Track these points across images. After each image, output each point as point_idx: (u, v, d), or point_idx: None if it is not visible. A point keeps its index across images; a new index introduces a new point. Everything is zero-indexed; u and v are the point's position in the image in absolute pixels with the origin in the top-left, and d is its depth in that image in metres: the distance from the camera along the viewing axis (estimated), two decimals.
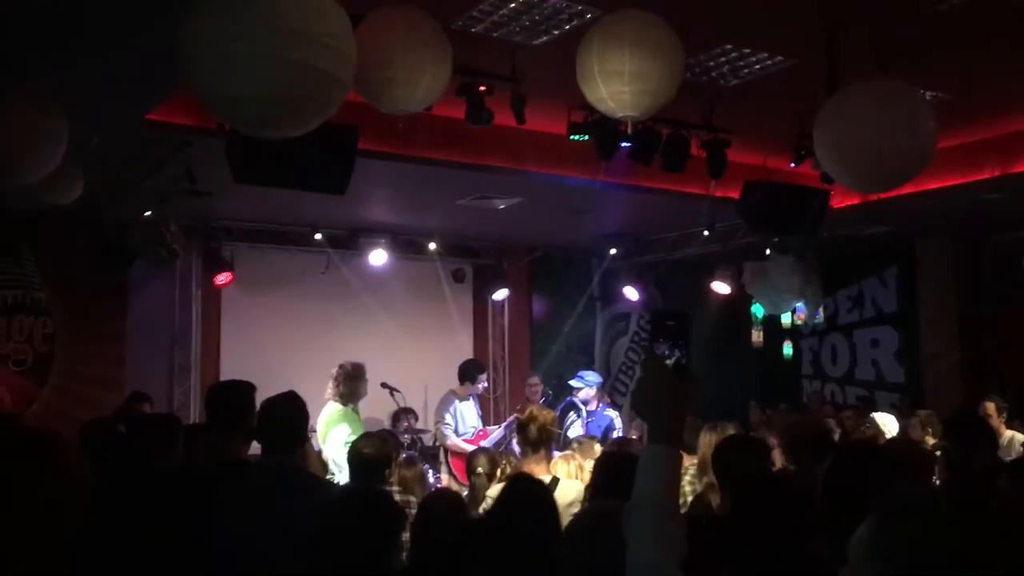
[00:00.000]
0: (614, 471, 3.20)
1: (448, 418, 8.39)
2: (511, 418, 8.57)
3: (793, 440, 3.86)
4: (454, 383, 8.87)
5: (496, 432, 8.50)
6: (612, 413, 8.75)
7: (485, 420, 9.37)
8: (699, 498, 3.64)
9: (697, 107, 6.37)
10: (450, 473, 8.24)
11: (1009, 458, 5.70)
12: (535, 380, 9.31)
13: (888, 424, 6.64)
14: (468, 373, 8.68)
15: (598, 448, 5.45)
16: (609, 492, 3.00)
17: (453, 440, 8.29)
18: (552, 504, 3.29)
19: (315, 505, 2.88)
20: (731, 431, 4.15)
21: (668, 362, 1.70)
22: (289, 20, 2.64)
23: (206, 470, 3.60)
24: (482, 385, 8.86)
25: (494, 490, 4.18)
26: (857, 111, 4.04)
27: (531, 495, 3.14)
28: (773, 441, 4.34)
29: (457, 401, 8.50)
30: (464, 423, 8.46)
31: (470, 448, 8.00)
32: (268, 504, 3.23)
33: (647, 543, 1.54)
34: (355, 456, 3.99)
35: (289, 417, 3.54)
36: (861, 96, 4.10)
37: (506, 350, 11.30)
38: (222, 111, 2.90)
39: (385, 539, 2.52)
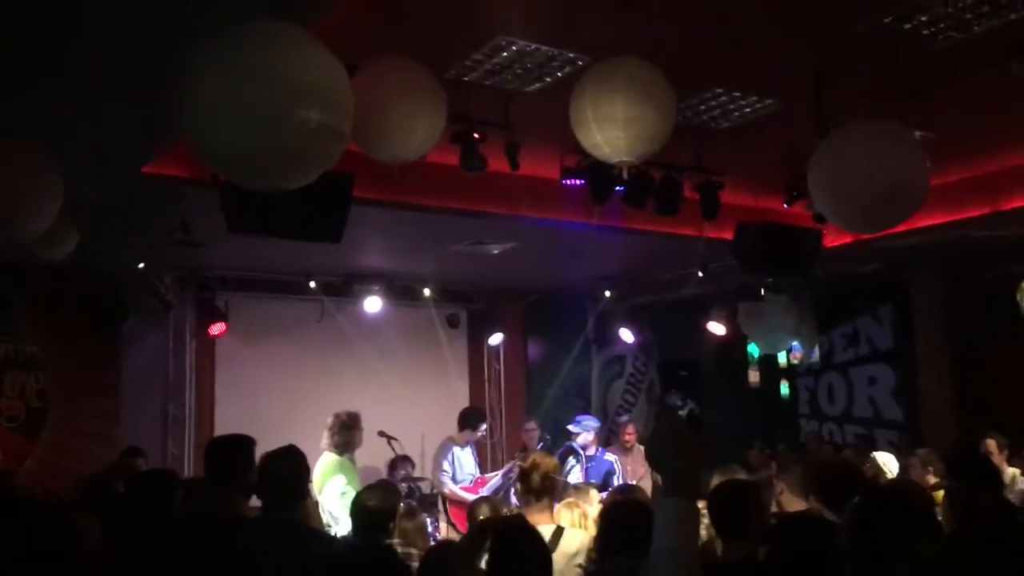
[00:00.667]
0: (623, 521, 3.15)
1: (446, 466, 8.32)
2: (509, 465, 8.50)
3: (829, 481, 3.83)
4: (451, 429, 8.81)
5: (495, 480, 8.42)
6: (611, 457, 8.69)
7: (482, 466, 9.30)
8: (703, 548, 3.59)
9: (689, 150, 6.41)
10: (449, 522, 8.15)
11: (1011, 495, 5.65)
12: (532, 425, 9.27)
13: (888, 463, 6.58)
14: (468, 421, 8.64)
15: (594, 494, 5.39)
16: (619, 543, 2.96)
17: (451, 488, 8.21)
18: (541, 547, 3.25)
19: (319, 561, 2.82)
20: (741, 475, 4.10)
21: (681, 413, 1.68)
22: (287, 74, 2.65)
23: (207, 526, 3.54)
24: (481, 433, 8.81)
25: None
26: (851, 152, 4.07)
27: (520, 547, 3.11)
28: (781, 485, 4.29)
29: (455, 448, 8.43)
30: (462, 470, 8.39)
31: (469, 496, 7.92)
32: (271, 560, 3.17)
33: None
34: (359, 508, 3.93)
35: (289, 472, 3.49)
36: (855, 137, 4.13)
37: (502, 394, 11.26)
38: (220, 165, 2.90)
39: None
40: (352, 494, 5.11)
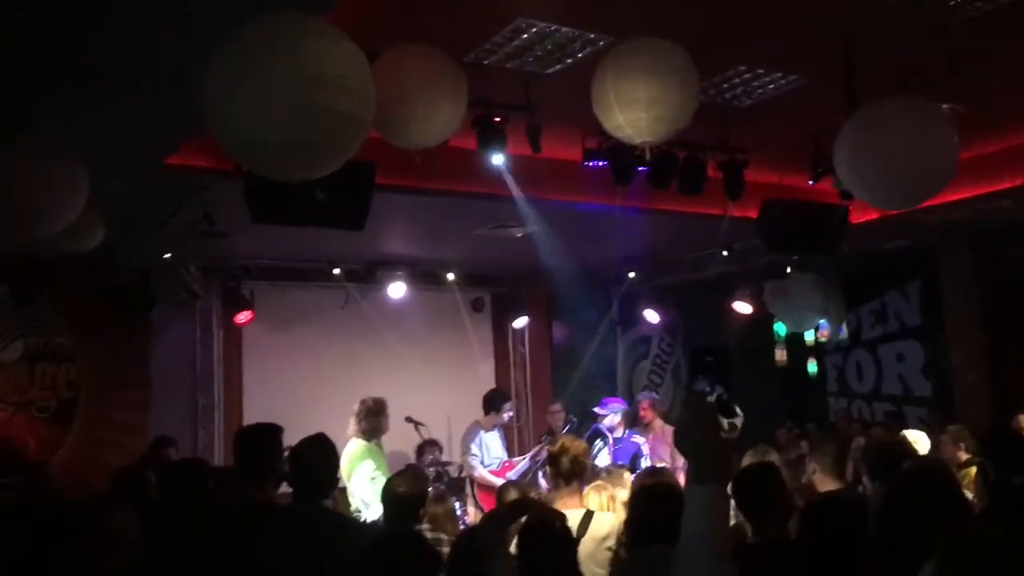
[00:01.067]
0: (653, 505, 3.14)
1: (475, 449, 8.35)
2: (536, 448, 8.51)
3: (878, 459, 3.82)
4: (477, 413, 8.83)
5: (522, 463, 8.44)
6: (639, 439, 8.65)
7: (509, 450, 9.32)
8: (735, 531, 3.56)
9: (712, 128, 6.34)
10: (477, 506, 8.17)
11: None
12: (557, 407, 9.24)
13: (919, 441, 6.49)
14: (493, 403, 8.64)
15: (627, 477, 5.38)
16: (650, 527, 2.94)
17: (480, 472, 8.23)
18: (567, 537, 3.25)
19: (350, 549, 2.83)
20: (772, 456, 4.08)
21: (709, 398, 1.67)
22: (309, 64, 2.64)
23: (239, 515, 3.56)
24: (507, 415, 8.82)
25: None
26: (878, 128, 4.01)
27: (544, 534, 3.12)
28: (813, 465, 4.26)
29: (482, 432, 8.45)
30: (490, 454, 8.41)
31: (496, 480, 7.95)
32: (302, 548, 3.19)
33: None
34: (389, 495, 3.94)
35: (320, 460, 3.51)
36: (882, 113, 4.06)
37: (527, 378, 11.26)
38: (244, 157, 2.90)
39: None
40: (381, 479, 5.15)
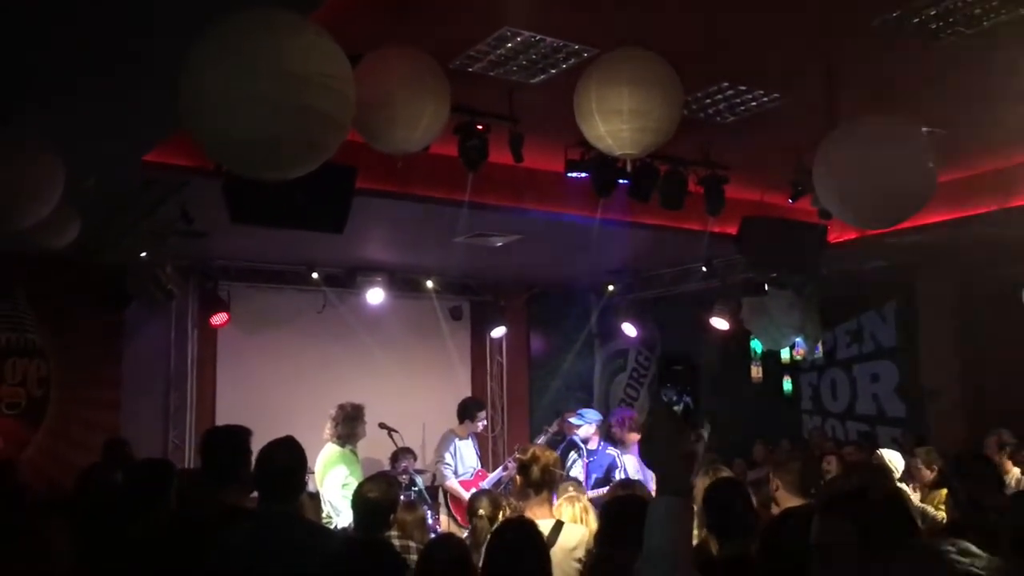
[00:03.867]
0: (622, 517, 3.13)
1: (448, 458, 8.30)
2: (509, 459, 8.48)
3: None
4: (452, 422, 8.79)
5: (494, 473, 8.41)
6: (613, 451, 8.63)
7: (483, 460, 9.27)
8: (699, 547, 3.54)
9: (694, 143, 6.37)
10: (449, 514, 8.13)
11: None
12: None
13: (894, 460, 6.54)
14: (467, 411, 8.60)
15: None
16: (618, 539, 2.93)
17: (451, 483, 8.18)
18: (539, 546, 3.24)
19: (316, 556, 2.80)
20: (724, 473, 4.07)
21: (676, 408, 1.65)
22: (289, 63, 2.62)
23: (205, 519, 3.52)
24: (481, 424, 8.77)
25: None
26: (857, 147, 4.03)
27: (517, 541, 3.11)
28: (776, 482, 4.26)
29: (457, 440, 8.41)
30: (463, 463, 8.36)
31: (466, 493, 7.91)
32: (268, 554, 3.15)
33: None
34: (360, 500, 3.91)
35: (288, 464, 3.45)
36: (861, 132, 4.08)
37: (504, 388, 11.23)
38: (221, 154, 2.87)
39: None
40: (354, 485, 5.10)
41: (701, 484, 4.05)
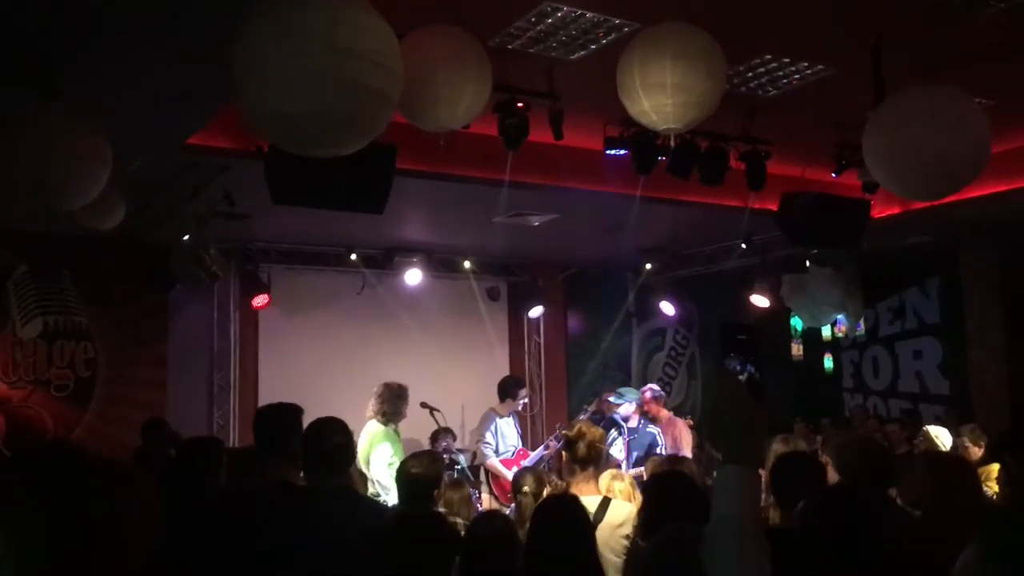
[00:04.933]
0: (669, 492, 3.11)
1: (489, 437, 8.32)
2: (550, 438, 8.49)
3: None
4: (491, 401, 8.82)
5: (536, 452, 8.43)
6: (654, 429, 8.61)
7: (523, 439, 9.30)
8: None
9: (735, 118, 6.30)
10: (490, 493, 8.17)
11: None
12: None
13: (942, 437, 6.44)
14: (507, 389, 8.60)
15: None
16: (664, 514, 2.92)
17: (492, 461, 8.21)
18: (583, 521, 3.25)
19: (368, 528, 2.83)
20: (802, 444, 4.04)
21: (740, 377, 1.64)
22: (341, 38, 2.62)
23: (259, 493, 3.57)
24: (522, 401, 8.77)
25: None
26: (910, 117, 3.95)
27: (560, 517, 3.12)
28: (826, 459, 4.23)
29: (498, 419, 8.43)
30: (505, 442, 8.38)
31: (507, 472, 7.95)
32: (319, 527, 3.19)
33: (732, 570, 1.47)
34: (403, 476, 3.94)
35: (337, 441, 3.49)
36: (914, 102, 4.01)
37: (542, 367, 11.24)
38: (272, 130, 2.88)
39: (440, 562, 2.47)
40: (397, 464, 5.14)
41: (778, 450, 4.03)
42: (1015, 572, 1.39)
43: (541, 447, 8.48)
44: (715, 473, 1.58)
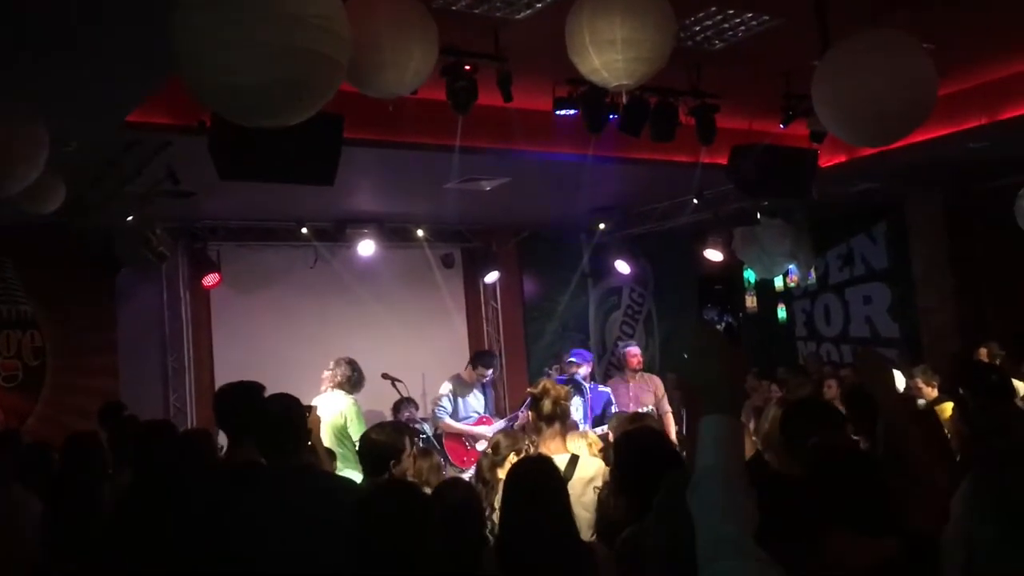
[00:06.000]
0: (641, 448, 3.13)
1: (444, 402, 8.36)
2: (518, 410, 8.56)
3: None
4: (451, 369, 8.86)
5: (501, 421, 8.45)
6: (606, 389, 8.74)
7: (495, 408, 9.41)
8: (755, 459, 3.48)
9: (683, 73, 6.28)
10: (444, 457, 8.17)
11: None
12: (635, 351, 9.16)
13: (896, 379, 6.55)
14: (479, 359, 8.78)
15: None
16: (639, 470, 2.93)
17: (447, 420, 8.24)
18: (557, 479, 3.27)
19: (342, 505, 2.79)
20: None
21: (719, 327, 1.63)
22: (285, 4, 2.54)
23: (225, 475, 3.51)
24: (488, 376, 8.83)
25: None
26: (858, 63, 3.96)
27: (534, 478, 3.14)
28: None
29: (458, 384, 8.45)
30: (467, 408, 8.41)
31: (466, 428, 8.03)
32: (291, 511, 3.14)
33: (718, 517, 1.48)
34: (365, 445, 3.92)
35: (286, 415, 3.42)
36: (861, 48, 4.02)
37: (501, 332, 11.24)
38: (219, 101, 2.79)
39: (420, 533, 2.46)
40: None
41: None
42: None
43: (506, 419, 8.50)
44: (697, 424, 1.58)
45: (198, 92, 2.71)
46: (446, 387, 8.45)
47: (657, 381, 8.79)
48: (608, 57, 3.98)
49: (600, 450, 4.77)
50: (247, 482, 3.38)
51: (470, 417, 8.42)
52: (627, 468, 3.09)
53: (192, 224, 8.86)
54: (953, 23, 5.96)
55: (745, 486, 1.52)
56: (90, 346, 8.65)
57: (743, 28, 5.79)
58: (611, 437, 5.14)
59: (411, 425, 7.78)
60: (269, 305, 9.56)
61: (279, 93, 2.62)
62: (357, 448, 5.65)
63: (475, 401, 8.50)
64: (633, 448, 3.14)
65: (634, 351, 9.01)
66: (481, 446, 7.97)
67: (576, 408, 8.21)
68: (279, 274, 9.69)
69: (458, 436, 8.31)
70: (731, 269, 10.65)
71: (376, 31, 3.80)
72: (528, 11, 5.25)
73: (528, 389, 5.04)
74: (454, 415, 8.35)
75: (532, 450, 4.31)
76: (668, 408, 8.51)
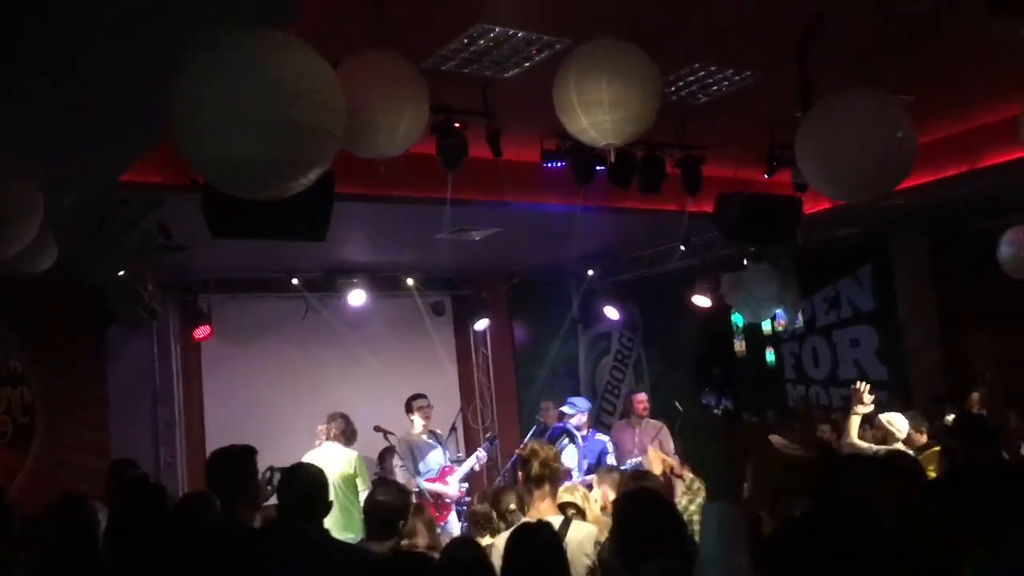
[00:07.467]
0: (644, 518, 3.11)
1: (397, 460, 8.06)
2: (478, 450, 8.49)
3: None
4: (443, 417, 8.81)
5: (462, 468, 8.30)
6: (603, 437, 8.75)
7: (464, 453, 9.30)
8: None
9: (669, 126, 6.40)
10: None
11: None
12: (547, 404, 9.13)
13: (896, 423, 6.47)
14: (407, 408, 8.34)
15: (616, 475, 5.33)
16: (644, 545, 2.91)
17: (418, 481, 7.83)
18: (559, 546, 3.27)
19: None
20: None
21: (716, 411, 1.67)
22: (282, 80, 2.59)
23: (217, 538, 3.50)
24: (425, 413, 8.29)
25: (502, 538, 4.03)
26: (840, 121, 4.06)
27: (538, 547, 3.14)
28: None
29: (408, 444, 8.13)
30: (426, 463, 8.08)
31: (439, 488, 7.87)
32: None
33: None
34: (373, 506, 3.89)
35: (314, 485, 3.45)
36: (843, 105, 4.11)
37: (492, 379, 11.25)
38: (215, 175, 2.83)
39: None
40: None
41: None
42: None
43: (467, 461, 8.38)
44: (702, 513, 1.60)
45: (194, 165, 2.75)
46: (401, 448, 8.07)
47: (661, 427, 8.73)
48: (596, 118, 4.06)
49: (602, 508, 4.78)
50: (272, 547, 3.38)
51: (432, 471, 8.08)
52: (628, 542, 3.07)
53: (183, 277, 8.89)
54: (932, 73, 6.09)
55: (744, 570, 1.55)
56: (80, 401, 8.61)
57: (726, 83, 5.91)
58: (595, 485, 5.13)
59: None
60: (260, 357, 9.55)
61: (276, 168, 2.67)
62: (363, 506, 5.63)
63: (434, 456, 8.14)
64: (631, 517, 3.12)
65: (640, 397, 8.96)
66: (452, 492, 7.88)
67: (571, 456, 8.22)
68: (270, 325, 9.70)
69: (433, 494, 8.01)
70: (720, 314, 10.69)
71: (368, 94, 3.86)
72: (516, 69, 5.35)
73: (516, 451, 5.02)
74: (415, 472, 7.92)
75: (513, 507, 4.32)
76: (672, 450, 8.34)
